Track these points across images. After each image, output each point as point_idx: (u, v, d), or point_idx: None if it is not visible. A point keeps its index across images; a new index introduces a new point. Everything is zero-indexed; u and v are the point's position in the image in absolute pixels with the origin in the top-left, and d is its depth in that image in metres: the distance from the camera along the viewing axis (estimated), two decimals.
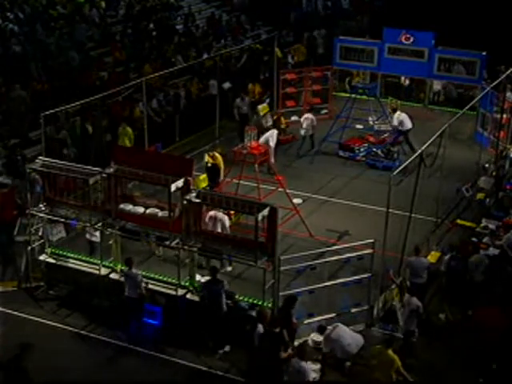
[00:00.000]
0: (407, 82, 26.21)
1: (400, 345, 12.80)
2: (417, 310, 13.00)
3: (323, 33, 31.25)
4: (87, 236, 15.43)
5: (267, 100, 23.78)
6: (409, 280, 14.31)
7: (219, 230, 14.57)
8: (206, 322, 13.35)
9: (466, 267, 14.34)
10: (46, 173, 14.37)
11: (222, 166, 18.09)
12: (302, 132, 22.15)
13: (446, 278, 14.37)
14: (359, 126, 22.48)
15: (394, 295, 14.17)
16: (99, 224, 14.18)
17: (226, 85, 24.56)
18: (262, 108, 22.57)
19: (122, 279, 13.89)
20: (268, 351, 11.98)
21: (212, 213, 14.70)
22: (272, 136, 19.91)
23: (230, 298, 13.44)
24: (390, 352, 11.81)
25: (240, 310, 13.47)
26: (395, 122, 21.45)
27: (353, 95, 22.05)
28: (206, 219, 14.48)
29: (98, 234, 14.86)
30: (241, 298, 13.72)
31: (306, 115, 22.44)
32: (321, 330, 12.85)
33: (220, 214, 14.78)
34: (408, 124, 21.54)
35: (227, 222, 14.88)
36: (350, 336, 12.84)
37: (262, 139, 19.24)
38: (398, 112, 21.65)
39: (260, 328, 12.07)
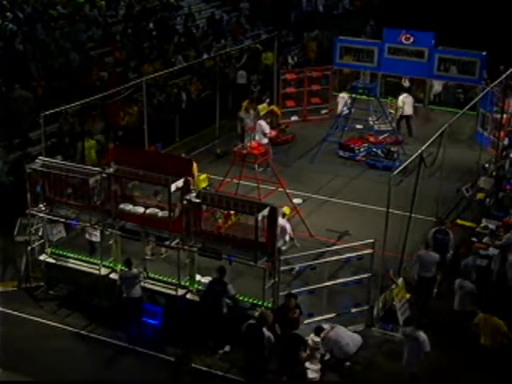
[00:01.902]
0: (407, 83, 26.21)
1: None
2: (471, 291, 13.69)
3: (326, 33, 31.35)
4: (87, 236, 15.43)
5: (267, 100, 23.78)
6: (418, 274, 14.54)
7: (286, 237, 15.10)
8: (206, 322, 13.34)
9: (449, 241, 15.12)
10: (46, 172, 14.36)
11: (195, 172, 18.04)
12: (340, 110, 22.85)
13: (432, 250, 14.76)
14: (359, 126, 22.49)
15: (394, 295, 14.17)
16: (99, 224, 14.19)
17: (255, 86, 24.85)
18: (262, 108, 22.56)
19: (119, 282, 13.85)
20: (288, 353, 12.05)
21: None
22: (262, 127, 20.06)
23: (231, 299, 13.42)
24: (496, 318, 12.61)
25: (240, 309, 13.45)
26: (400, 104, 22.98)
27: (353, 95, 22.06)
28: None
29: (98, 233, 14.86)
30: (241, 298, 13.71)
31: (342, 95, 23.24)
32: (317, 331, 12.84)
33: (282, 222, 14.93)
34: (407, 110, 23.07)
35: (288, 229, 15.19)
36: (348, 336, 12.86)
37: (257, 136, 19.32)
38: (405, 95, 23.22)
39: (266, 333, 11.99)
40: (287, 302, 12.87)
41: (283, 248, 14.94)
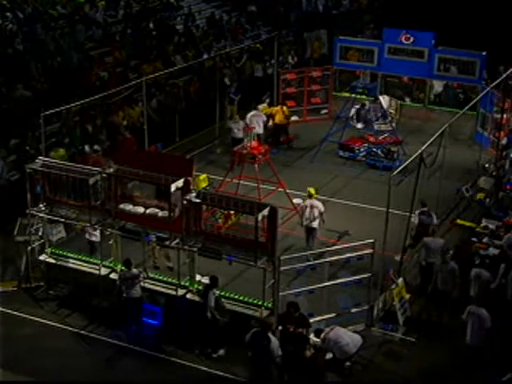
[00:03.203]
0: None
1: None
2: (489, 280, 14.15)
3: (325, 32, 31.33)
4: (87, 236, 15.43)
5: (267, 100, 23.78)
6: (424, 260, 14.74)
7: (316, 214, 15.81)
8: (200, 327, 13.33)
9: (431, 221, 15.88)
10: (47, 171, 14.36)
11: None
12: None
13: (416, 229, 15.71)
14: (359, 126, 22.48)
15: (394, 295, 14.17)
16: (99, 224, 14.19)
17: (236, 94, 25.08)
18: (262, 108, 22.58)
19: (118, 282, 13.85)
20: (294, 352, 12.11)
21: (308, 202, 15.86)
22: (262, 117, 21.12)
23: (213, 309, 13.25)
24: None
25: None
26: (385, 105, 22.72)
27: (353, 95, 22.05)
28: (303, 207, 15.92)
29: (98, 233, 14.86)
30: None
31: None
32: (317, 333, 12.83)
33: (315, 202, 15.72)
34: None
35: (323, 208, 15.80)
36: (348, 336, 12.87)
37: (257, 127, 19.89)
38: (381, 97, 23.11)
39: (272, 337, 11.97)
40: (288, 311, 12.70)
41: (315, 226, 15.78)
